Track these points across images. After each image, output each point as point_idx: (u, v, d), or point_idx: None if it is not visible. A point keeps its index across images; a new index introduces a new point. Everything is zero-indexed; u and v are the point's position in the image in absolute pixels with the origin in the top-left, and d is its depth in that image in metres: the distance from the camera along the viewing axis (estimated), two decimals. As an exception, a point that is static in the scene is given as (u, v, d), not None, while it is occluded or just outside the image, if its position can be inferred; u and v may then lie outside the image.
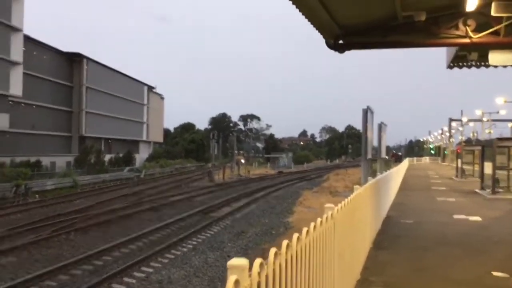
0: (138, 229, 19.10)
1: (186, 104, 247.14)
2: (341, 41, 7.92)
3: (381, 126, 34.49)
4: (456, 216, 14.30)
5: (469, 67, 9.81)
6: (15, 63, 45.07)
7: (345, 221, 5.31)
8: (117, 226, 19.97)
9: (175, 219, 21.28)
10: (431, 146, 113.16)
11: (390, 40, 7.70)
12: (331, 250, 4.41)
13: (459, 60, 9.45)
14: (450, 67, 9.80)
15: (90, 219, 21.26)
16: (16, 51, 45.15)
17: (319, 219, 3.83)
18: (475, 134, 59.64)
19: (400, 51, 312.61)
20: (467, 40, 7.35)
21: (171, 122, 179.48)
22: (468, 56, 8.44)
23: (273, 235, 18.29)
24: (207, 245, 16.46)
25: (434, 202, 19.43)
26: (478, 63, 9.72)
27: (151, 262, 13.72)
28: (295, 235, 3.11)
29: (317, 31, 7.53)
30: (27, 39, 50.41)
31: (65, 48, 60.78)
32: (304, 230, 3.35)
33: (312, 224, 3.58)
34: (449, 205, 18.06)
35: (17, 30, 45.01)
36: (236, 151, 75.32)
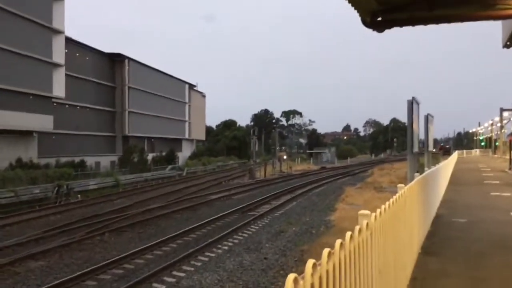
0: (173, 229, 18.57)
1: (228, 101, 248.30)
2: (379, 18, 6.90)
3: (427, 118, 32.79)
4: (514, 214, 12.96)
5: (530, 45, 8.56)
6: (57, 65, 45.71)
7: (386, 230, 4.37)
8: (153, 226, 19.51)
9: (211, 218, 20.62)
10: (481, 137, 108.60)
11: (438, 14, 6.63)
12: (367, 268, 3.49)
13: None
14: (507, 46, 8.57)
15: (126, 219, 20.94)
16: (58, 53, 45.78)
17: (348, 234, 2.93)
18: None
19: (448, 33, 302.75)
20: (530, 10, 6.20)
21: (214, 119, 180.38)
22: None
23: (313, 235, 17.33)
24: (244, 246, 15.68)
25: (488, 197, 17.98)
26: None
27: (183, 265, 13.06)
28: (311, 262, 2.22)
29: (352, 8, 6.54)
30: (69, 41, 51.13)
31: (109, 49, 61.65)
32: (325, 252, 2.45)
33: (338, 243, 2.68)
34: (504, 201, 16.62)
35: (58, 32, 45.61)
36: (278, 147, 74.41)
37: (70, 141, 51.83)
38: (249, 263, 13.58)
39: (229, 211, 23.19)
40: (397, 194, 5.40)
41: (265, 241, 16.46)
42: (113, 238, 17.04)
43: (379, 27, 7.04)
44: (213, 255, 14.38)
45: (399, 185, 5.98)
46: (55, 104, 48.31)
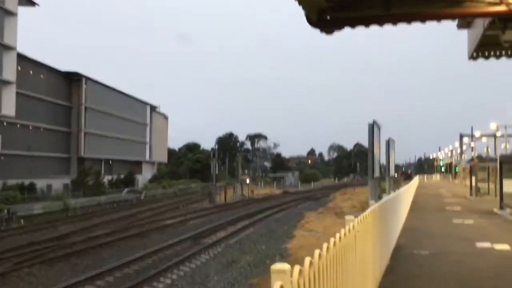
0: (114, 259, 16.94)
1: (193, 124, 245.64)
2: (328, 17, 5.80)
3: (389, 142, 32.03)
4: (479, 244, 11.97)
5: (499, 56, 7.63)
6: (7, 82, 43.43)
7: (328, 275, 3.16)
8: (92, 256, 17.78)
9: (159, 247, 19.04)
10: (441, 163, 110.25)
11: (396, 13, 5.59)
12: None
13: (486, 45, 7.28)
14: (473, 57, 7.63)
15: (64, 248, 19.10)
16: (9, 70, 43.54)
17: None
18: (489, 150, 56.96)
19: (408, 54, 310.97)
20: (502, 8, 5.22)
21: (178, 142, 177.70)
22: (500, 37, 6.28)
23: (267, 266, 15.97)
24: (189, 279, 14.20)
25: (450, 225, 17.09)
26: (511, 51, 7.55)
27: (115, 304, 11.51)
28: None
29: (297, 4, 5.39)
30: (22, 58, 48.95)
31: (71, 69, 59.59)
32: None
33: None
34: (468, 229, 15.74)
35: (10, 48, 43.48)
36: (241, 171, 73.14)
37: (19, 162, 49.10)
38: (191, 300, 12.14)
39: (180, 238, 21.67)
40: (345, 229, 4.20)
41: (214, 273, 15.03)
42: (43, 270, 15.24)
43: (328, 27, 5.94)
44: (151, 291, 12.85)
45: (347, 216, 4.79)
46: (5, 123, 45.86)
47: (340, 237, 3.84)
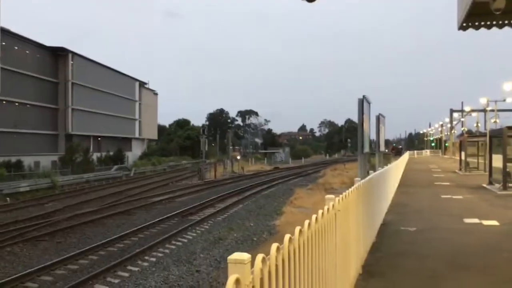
0: (99, 238, 16.68)
1: (184, 100, 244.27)
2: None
3: (379, 118, 31.75)
4: (467, 220, 11.83)
5: (490, 26, 7.28)
6: (-9, 58, 42.54)
7: (299, 262, 2.89)
8: (77, 235, 17.46)
9: (145, 224, 18.80)
10: (431, 138, 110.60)
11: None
12: None
13: (476, 15, 6.92)
14: (462, 27, 7.28)
15: (49, 226, 18.77)
16: (-8, 46, 42.58)
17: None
18: (479, 125, 57.02)
19: (400, 29, 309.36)
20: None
21: (168, 118, 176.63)
22: (491, 5, 5.92)
23: (254, 243, 15.84)
24: (174, 257, 13.96)
25: (439, 200, 17.00)
26: (502, 21, 7.21)
27: (97, 282, 11.25)
28: None
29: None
30: (6, 33, 47.78)
31: (58, 44, 58.25)
32: None
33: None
34: (456, 204, 15.64)
35: (-8, 23, 42.48)
36: (231, 147, 72.78)
37: (6, 139, 48.39)
38: (176, 278, 11.91)
39: (168, 215, 21.40)
40: (323, 209, 3.90)
41: (200, 251, 14.81)
42: (25, 249, 14.92)
43: None
44: (136, 269, 12.59)
45: (327, 196, 4.49)
46: (-11, 100, 45.05)
47: (316, 218, 3.55)
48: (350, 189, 5.66)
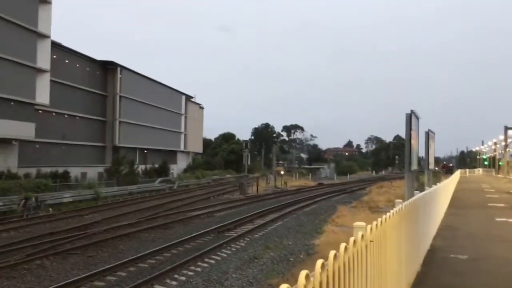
0: (132, 252, 16.23)
1: (230, 114, 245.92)
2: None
3: (428, 134, 30.12)
4: (527, 248, 10.57)
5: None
6: (42, 71, 43.62)
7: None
8: (109, 249, 17.10)
9: (181, 240, 18.25)
10: (484, 156, 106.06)
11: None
12: None
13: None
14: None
15: (83, 238, 18.54)
16: (43, 58, 43.70)
17: None
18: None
19: (453, 49, 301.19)
20: None
21: (215, 132, 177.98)
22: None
23: (290, 264, 14.94)
24: (205, 276, 13.26)
25: (493, 224, 15.59)
26: None
27: (121, 302, 10.69)
28: None
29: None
30: (57, 46, 49.22)
31: (112, 58, 59.62)
32: None
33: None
34: (513, 229, 14.28)
35: (44, 36, 43.59)
36: (276, 162, 72.04)
37: (54, 150, 49.56)
38: (204, 300, 11.20)
39: (205, 230, 20.85)
40: (348, 241, 3.10)
41: (233, 270, 14.06)
42: (55, 263, 14.60)
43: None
44: (163, 288, 11.98)
45: (357, 224, 3.67)
46: (40, 111, 46.25)
47: (335, 255, 2.75)
48: (389, 213, 4.80)
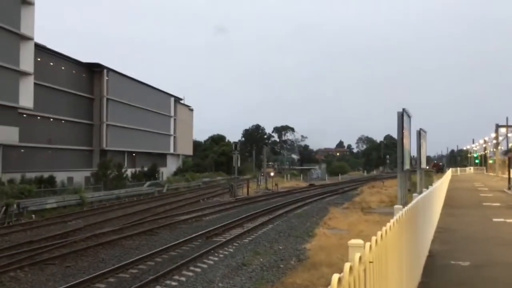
0: (114, 261, 15.41)
1: (220, 116, 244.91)
2: None
3: (420, 133, 29.41)
4: (531, 252, 9.91)
5: None
6: (25, 73, 42.43)
7: None
8: (90, 258, 16.21)
9: (166, 246, 17.44)
10: (475, 155, 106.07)
11: None
12: None
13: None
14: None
15: (63, 247, 17.64)
16: (26, 61, 42.56)
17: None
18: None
19: (443, 46, 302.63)
20: None
21: (205, 134, 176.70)
22: None
23: (280, 270, 14.17)
24: (189, 287, 12.47)
25: (491, 225, 14.99)
26: None
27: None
28: None
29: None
30: (42, 49, 48.11)
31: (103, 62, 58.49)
32: None
33: None
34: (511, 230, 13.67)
35: (27, 38, 42.45)
36: (266, 163, 71.18)
37: (39, 154, 48.41)
38: (187, 313, 10.41)
39: (192, 235, 20.06)
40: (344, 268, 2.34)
41: (220, 279, 13.27)
42: (30, 274, 13.71)
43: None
44: (144, 301, 11.17)
45: (352, 242, 2.93)
46: (24, 115, 45.11)
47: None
48: (389, 224, 4.05)
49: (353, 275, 2.54)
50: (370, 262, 3.01)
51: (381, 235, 3.53)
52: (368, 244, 3.03)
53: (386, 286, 3.81)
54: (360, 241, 2.94)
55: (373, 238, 3.28)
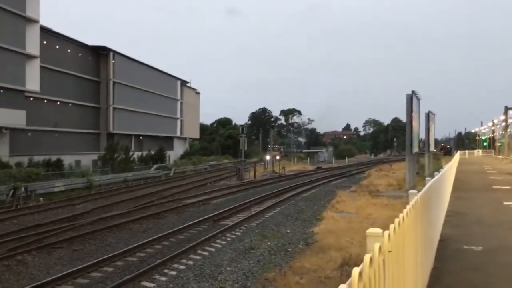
0: (121, 245, 15.37)
1: (226, 99, 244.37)
2: None
3: (429, 116, 28.93)
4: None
5: None
6: (31, 57, 42.29)
7: None
8: (97, 241, 16.20)
9: (173, 230, 17.40)
10: (483, 138, 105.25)
11: None
12: None
13: None
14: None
15: (70, 230, 17.64)
16: (32, 44, 42.37)
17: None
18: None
19: (450, 29, 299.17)
20: None
21: (211, 118, 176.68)
22: None
23: (288, 254, 14.07)
24: (197, 270, 12.40)
25: (502, 208, 14.75)
26: None
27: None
28: None
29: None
30: (48, 32, 47.87)
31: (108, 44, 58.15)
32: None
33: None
34: (525, 214, 13.44)
35: (32, 21, 42.19)
36: (272, 146, 71.06)
37: (47, 138, 48.42)
38: (194, 297, 10.34)
39: (199, 219, 20.00)
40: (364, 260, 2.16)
41: (227, 263, 13.19)
42: (38, 258, 13.70)
43: None
44: (151, 285, 11.10)
45: (371, 231, 2.75)
46: (31, 99, 45.07)
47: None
48: (405, 210, 3.86)
49: (373, 267, 2.36)
50: (389, 251, 2.83)
51: (399, 222, 3.35)
52: (386, 232, 2.85)
53: (404, 274, 3.64)
54: (378, 230, 2.76)
55: (391, 226, 3.09)
